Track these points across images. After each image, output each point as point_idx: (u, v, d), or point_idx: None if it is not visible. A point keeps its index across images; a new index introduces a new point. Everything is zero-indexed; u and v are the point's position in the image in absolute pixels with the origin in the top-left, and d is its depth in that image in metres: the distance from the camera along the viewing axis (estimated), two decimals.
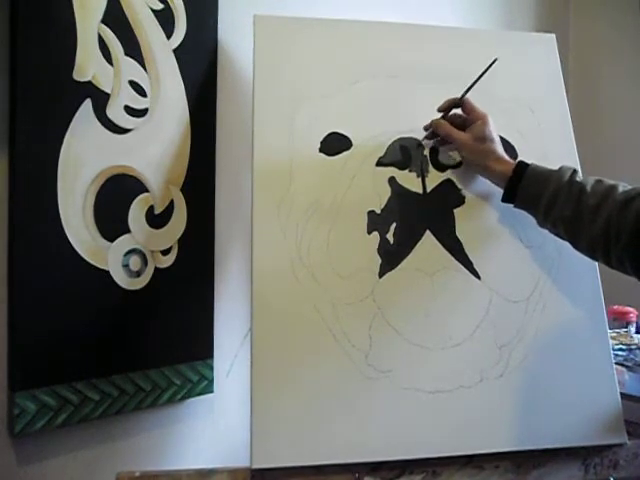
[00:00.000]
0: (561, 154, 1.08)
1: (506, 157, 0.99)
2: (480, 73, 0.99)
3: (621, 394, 1.01)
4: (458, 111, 1.03)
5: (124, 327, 1.02)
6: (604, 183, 0.91)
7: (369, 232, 0.99)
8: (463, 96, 1.01)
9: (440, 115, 1.03)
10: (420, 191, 1.03)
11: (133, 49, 1.01)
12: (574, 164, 1.06)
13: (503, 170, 0.97)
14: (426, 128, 1.04)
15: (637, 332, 1.45)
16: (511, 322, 0.99)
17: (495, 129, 1.00)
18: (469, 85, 1.00)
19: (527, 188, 0.95)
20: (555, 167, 0.96)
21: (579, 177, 0.93)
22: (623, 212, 0.86)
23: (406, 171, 1.03)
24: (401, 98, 1.07)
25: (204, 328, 1.13)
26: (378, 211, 1.00)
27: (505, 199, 0.98)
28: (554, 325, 1.01)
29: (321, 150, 1.01)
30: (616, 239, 0.86)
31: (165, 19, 1.04)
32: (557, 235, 0.96)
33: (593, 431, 0.97)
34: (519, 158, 0.99)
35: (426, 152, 1.04)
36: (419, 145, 1.04)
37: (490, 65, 0.99)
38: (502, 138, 1.02)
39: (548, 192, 0.92)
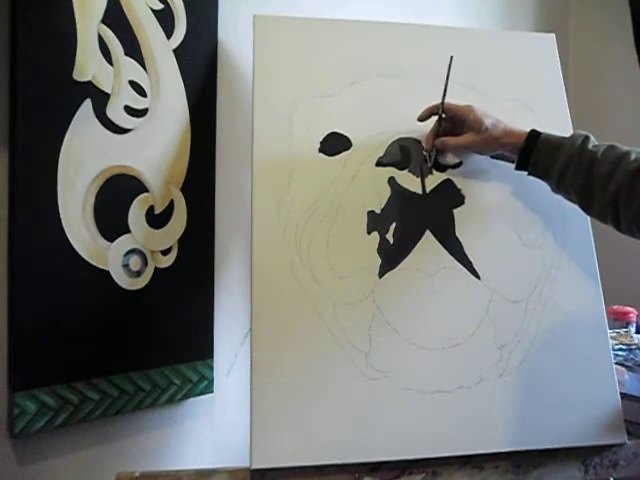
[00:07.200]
0: None
1: (513, 128, 0.98)
2: (446, 75, 0.99)
3: (621, 394, 1.01)
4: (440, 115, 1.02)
5: (124, 327, 1.02)
6: (616, 150, 0.91)
7: (369, 232, 0.99)
8: (442, 103, 1.00)
9: (423, 124, 1.02)
10: (420, 191, 1.03)
11: (133, 49, 1.01)
12: None
13: (514, 141, 0.98)
14: (427, 150, 1.03)
15: (637, 332, 1.45)
16: (511, 322, 0.99)
17: (483, 110, 0.99)
18: (443, 90, 1.00)
19: (539, 158, 0.95)
20: None
21: (591, 144, 0.93)
22: (633, 181, 0.86)
23: (406, 171, 1.03)
24: (401, 98, 1.07)
25: (204, 328, 1.13)
26: (378, 211, 1.00)
27: (518, 168, 0.99)
28: (554, 325, 1.01)
29: (321, 150, 1.01)
30: (625, 208, 0.87)
31: (165, 19, 1.04)
32: (570, 201, 0.97)
33: (593, 431, 0.97)
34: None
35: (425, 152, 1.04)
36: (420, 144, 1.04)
37: (449, 64, 0.99)
38: None
39: (559, 162, 0.93)
